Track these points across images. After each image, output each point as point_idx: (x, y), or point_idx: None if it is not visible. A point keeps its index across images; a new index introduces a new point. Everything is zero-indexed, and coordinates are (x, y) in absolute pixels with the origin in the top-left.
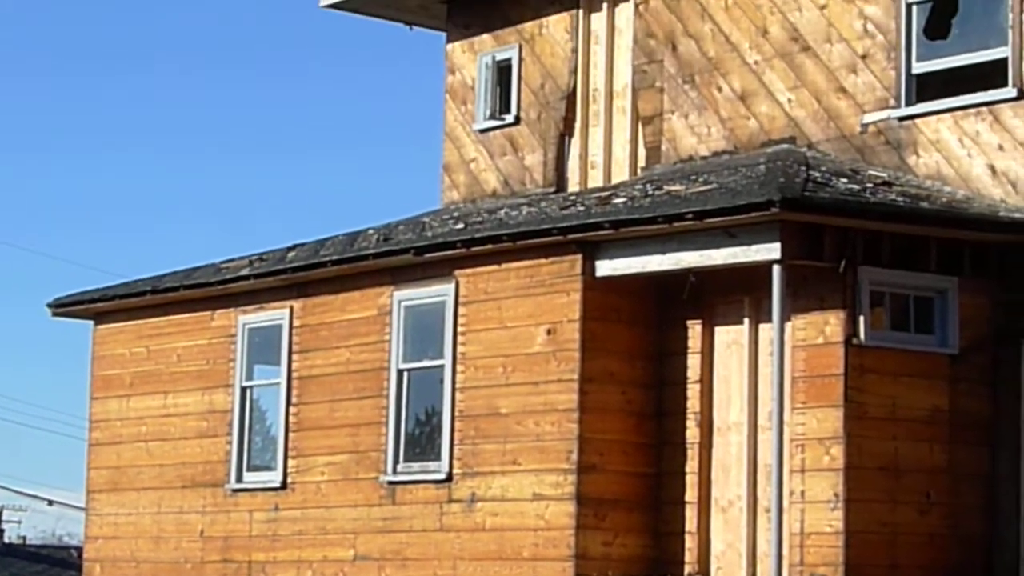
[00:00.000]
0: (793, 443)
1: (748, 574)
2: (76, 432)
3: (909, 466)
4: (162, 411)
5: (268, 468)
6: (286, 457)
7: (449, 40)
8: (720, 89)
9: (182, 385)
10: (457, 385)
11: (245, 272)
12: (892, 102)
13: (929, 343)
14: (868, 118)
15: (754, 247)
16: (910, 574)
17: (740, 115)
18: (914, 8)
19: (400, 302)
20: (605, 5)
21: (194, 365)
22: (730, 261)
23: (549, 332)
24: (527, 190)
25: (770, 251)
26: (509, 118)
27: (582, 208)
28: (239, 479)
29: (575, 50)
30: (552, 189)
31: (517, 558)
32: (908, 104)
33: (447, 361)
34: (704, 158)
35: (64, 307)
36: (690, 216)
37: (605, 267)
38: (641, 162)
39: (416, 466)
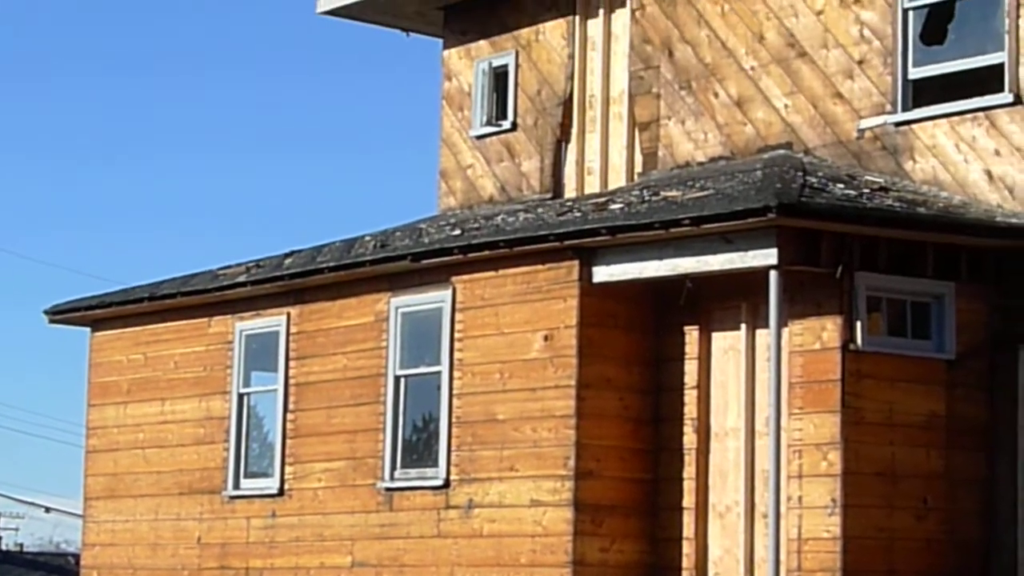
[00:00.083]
0: (790, 449)
1: None
2: (73, 439)
3: (906, 471)
4: (159, 418)
5: (265, 475)
6: (283, 464)
7: (446, 46)
8: (716, 95)
9: (179, 392)
10: (454, 391)
11: (242, 279)
12: (888, 107)
13: (926, 348)
14: (865, 123)
15: (751, 253)
16: None
17: (737, 121)
18: (910, 13)
19: (397, 308)
20: (601, 11)
21: (191, 372)
22: (727, 267)
23: (546, 338)
24: (524, 196)
25: (767, 257)
26: (506, 124)
27: (579, 214)
28: (236, 486)
29: (572, 56)
30: (549, 195)
31: (515, 564)
32: (904, 109)
33: (444, 367)
34: (701, 164)
35: (61, 314)
36: (687, 222)
37: (602, 273)
38: (638, 168)
39: (413, 472)
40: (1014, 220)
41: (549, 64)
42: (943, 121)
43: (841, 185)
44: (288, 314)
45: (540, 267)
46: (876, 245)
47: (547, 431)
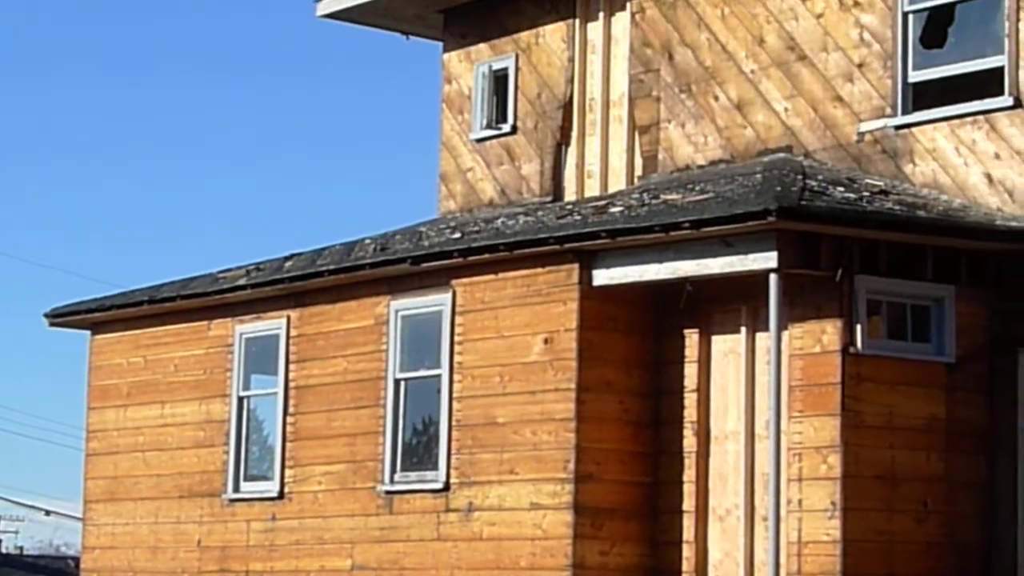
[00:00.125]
0: (790, 452)
1: None
2: (73, 442)
3: (906, 475)
4: (159, 421)
5: (265, 478)
6: (283, 467)
7: (445, 50)
8: (717, 98)
9: (179, 395)
10: (454, 394)
11: (242, 282)
12: (888, 111)
13: (926, 352)
14: (865, 127)
15: (751, 256)
16: None
17: (737, 124)
18: (910, 17)
19: (397, 312)
20: (601, 14)
21: (191, 375)
22: (727, 270)
23: (546, 341)
24: (524, 199)
25: (767, 260)
26: (506, 127)
27: (579, 217)
28: (236, 489)
29: (571, 59)
30: (549, 198)
31: (514, 568)
32: (904, 113)
33: (444, 371)
34: (701, 167)
35: (61, 317)
36: (687, 225)
37: (602, 276)
38: (638, 171)
39: (413, 475)
40: (1014, 223)
41: (549, 67)
42: (943, 124)
43: (841, 188)
44: (288, 317)
45: (540, 270)
46: (876, 248)
47: (547, 434)
